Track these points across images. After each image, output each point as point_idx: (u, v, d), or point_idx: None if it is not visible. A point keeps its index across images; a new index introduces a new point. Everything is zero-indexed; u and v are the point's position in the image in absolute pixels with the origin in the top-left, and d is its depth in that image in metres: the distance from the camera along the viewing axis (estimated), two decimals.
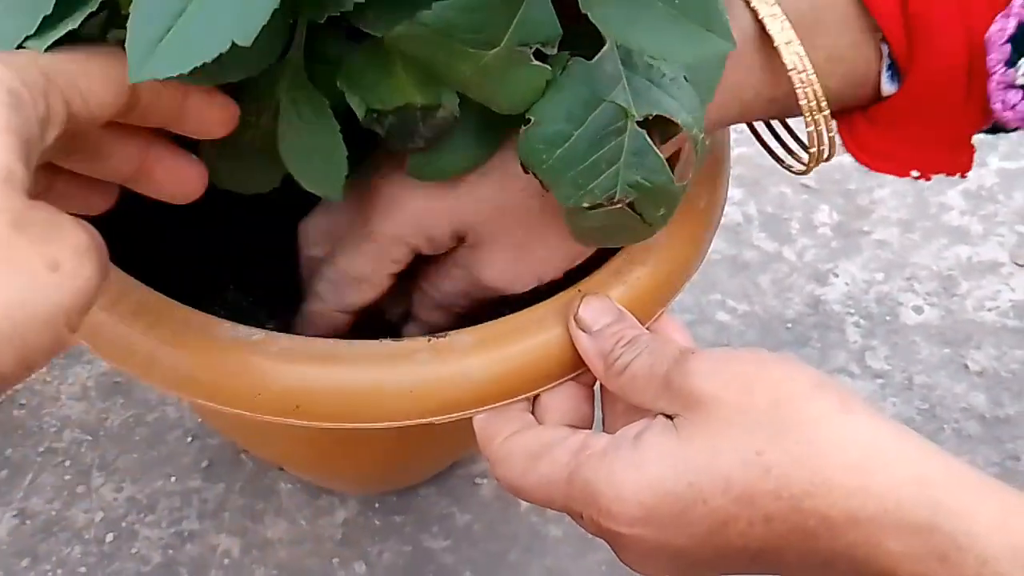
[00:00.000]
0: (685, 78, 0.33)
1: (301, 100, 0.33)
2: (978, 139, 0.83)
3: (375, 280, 0.41)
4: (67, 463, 0.63)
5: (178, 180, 0.35)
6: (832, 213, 0.78)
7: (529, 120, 0.32)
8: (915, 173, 0.42)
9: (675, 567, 0.36)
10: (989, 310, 0.73)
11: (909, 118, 0.40)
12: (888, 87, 0.40)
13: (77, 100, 0.29)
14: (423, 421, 0.39)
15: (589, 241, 0.38)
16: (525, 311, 0.40)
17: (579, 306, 0.40)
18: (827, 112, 0.40)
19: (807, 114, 0.40)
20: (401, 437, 0.46)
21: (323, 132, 0.34)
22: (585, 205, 0.34)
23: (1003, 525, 0.31)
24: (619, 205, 0.34)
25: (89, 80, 0.29)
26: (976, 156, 0.83)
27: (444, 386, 0.39)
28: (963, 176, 0.42)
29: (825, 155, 0.43)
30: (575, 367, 0.40)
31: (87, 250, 0.27)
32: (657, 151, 0.33)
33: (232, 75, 0.31)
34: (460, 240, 0.40)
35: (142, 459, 0.63)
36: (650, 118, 0.33)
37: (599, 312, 0.39)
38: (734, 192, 0.77)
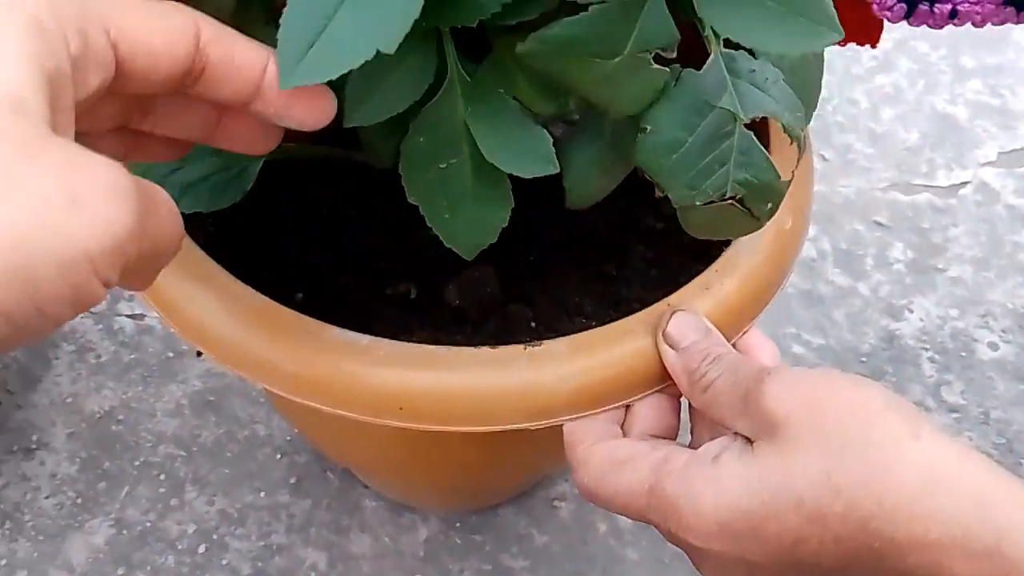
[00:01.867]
0: (785, 81, 0.35)
1: (487, 106, 0.36)
2: None
3: None
4: (162, 476, 0.66)
5: (255, 139, 0.34)
6: (906, 250, 0.79)
7: (645, 128, 0.35)
8: None
9: None
10: None
11: None
12: None
13: (125, 44, 0.27)
14: (519, 426, 0.41)
15: (699, 233, 0.40)
16: (617, 323, 0.42)
17: (668, 322, 0.41)
18: None
19: None
20: (491, 446, 0.48)
21: (519, 125, 0.36)
22: (697, 204, 0.36)
23: None
24: (729, 201, 0.36)
25: (140, 24, 0.27)
26: None
27: (540, 392, 0.40)
28: (873, 47, 0.45)
29: None
30: (664, 379, 0.42)
31: (120, 189, 0.24)
32: (763, 150, 0.35)
33: (395, 105, 0.33)
34: None
35: (233, 474, 0.66)
36: (756, 120, 0.35)
37: (687, 329, 0.41)
38: None
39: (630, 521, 0.64)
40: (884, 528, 0.33)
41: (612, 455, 0.39)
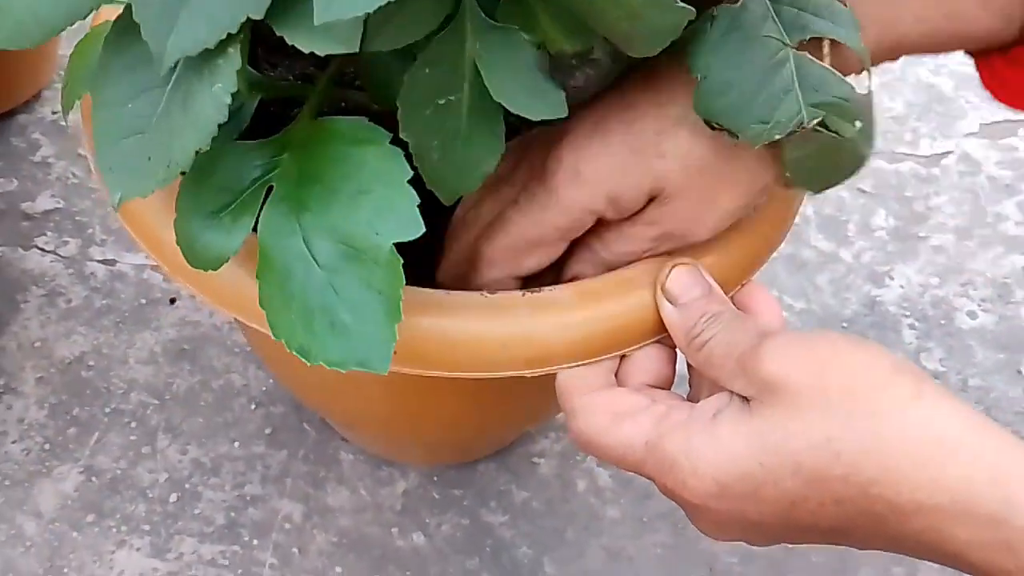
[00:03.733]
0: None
1: (498, 42, 0.34)
2: None
3: (553, 246, 0.41)
4: (133, 424, 0.64)
5: None
6: (889, 217, 0.78)
7: (698, 78, 0.34)
8: None
9: (747, 536, 0.38)
10: None
11: None
12: None
13: None
14: (515, 373, 0.40)
15: (809, 183, 0.39)
16: (618, 271, 0.41)
17: (667, 276, 0.40)
18: None
19: None
20: (480, 396, 0.47)
21: (530, 65, 0.35)
22: (777, 136, 0.35)
23: None
24: (811, 127, 0.35)
25: None
26: None
27: (538, 339, 0.40)
28: None
29: None
30: (662, 329, 0.41)
31: None
32: (826, 66, 0.35)
33: (413, 31, 0.32)
34: (650, 199, 0.39)
35: (207, 423, 0.64)
36: (804, 42, 0.34)
37: (686, 285, 0.40)
38: None
39: (610, 479, 0.63)
40: (886, 492, 0.33)
41: (612, 406, 0.39)
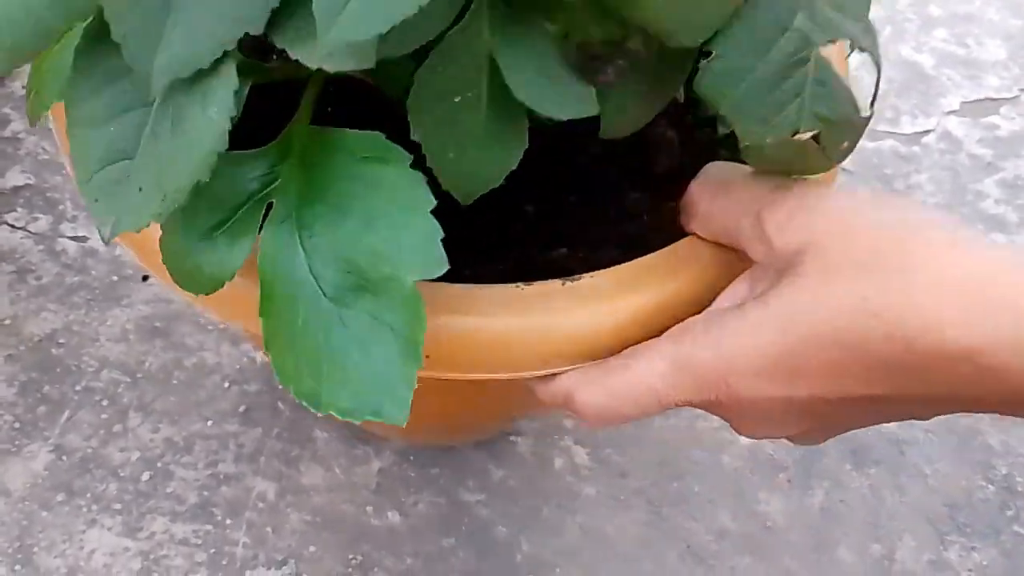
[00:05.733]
0: None
1: (519, 35, 0.31)
2: (1012, 132, 0.83)
3: None
4: (104, 402, 0.63)
5: None
6: None
7: (710, 53, 0.31)
8: None
9: (801, 424, 0.36)
10: None
11: None
12: None
13: None
14: (558, 370, 0.37)
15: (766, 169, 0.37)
16: (653, 255, 0.39)
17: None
18: None
19: None
20: (486, 389, 0.44)
21: (553, 59, 0.32)
22: (767, 140, 0.33)
23: None
24: (805, 138, 0.33)
25: None
26: (1012, 147, 0.84)
27: (579, 331, 0.37)
28: None
29: None
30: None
31: None
32: (843, 79, 0.32)
33: (428, 30, 0.29)
34: None
35: (180, 402, 0.63)
36: (829, 43, 0.32)
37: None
38: None
39: (587, 457, 0.63)
40: (932, 342, 0.31)
41: (616, 358, 0.37)
